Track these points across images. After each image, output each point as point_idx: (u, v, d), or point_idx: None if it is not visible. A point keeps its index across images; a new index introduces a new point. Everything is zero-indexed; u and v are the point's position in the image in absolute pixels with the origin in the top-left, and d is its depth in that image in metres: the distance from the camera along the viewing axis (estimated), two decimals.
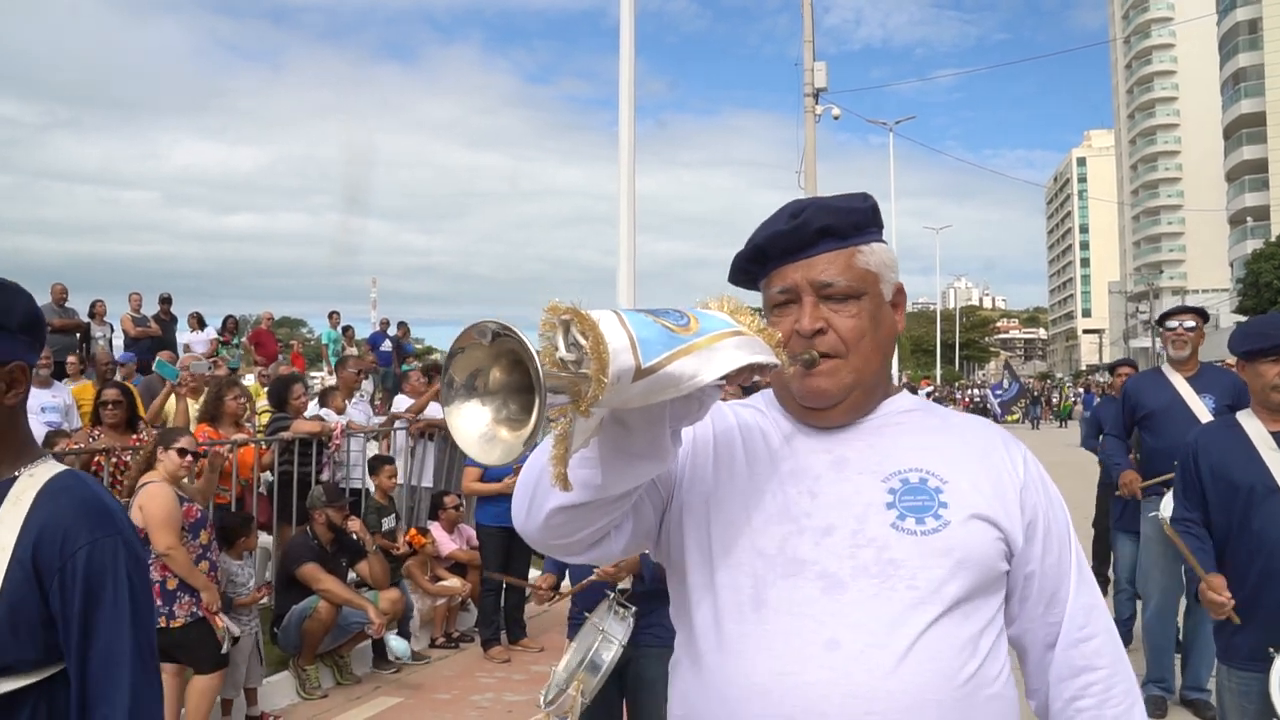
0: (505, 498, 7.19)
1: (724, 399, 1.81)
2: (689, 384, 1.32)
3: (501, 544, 7.94)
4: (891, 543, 1.58)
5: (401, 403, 10.52)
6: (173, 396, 8.96)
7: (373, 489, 8.78)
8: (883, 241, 1.74)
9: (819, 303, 1.66)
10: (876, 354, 1.69)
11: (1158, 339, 6.48)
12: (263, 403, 10.24)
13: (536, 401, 1.17)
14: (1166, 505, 5.80)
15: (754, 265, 1.75)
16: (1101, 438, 8.38)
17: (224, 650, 5.75)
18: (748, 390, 2.00)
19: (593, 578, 4.22)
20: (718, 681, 1.59)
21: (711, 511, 1.67)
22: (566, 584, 4.71)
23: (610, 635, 3.98)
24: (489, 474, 7.99)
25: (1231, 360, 4.10)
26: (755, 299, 1.78)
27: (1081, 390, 48.35)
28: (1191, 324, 6.27)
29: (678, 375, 1.30)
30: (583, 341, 1.23)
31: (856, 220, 1.69)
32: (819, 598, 1.56)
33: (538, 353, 1.19)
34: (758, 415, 1.77)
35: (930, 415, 1.78)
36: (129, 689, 1.85)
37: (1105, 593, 8.93)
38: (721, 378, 1.36)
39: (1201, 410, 6.01)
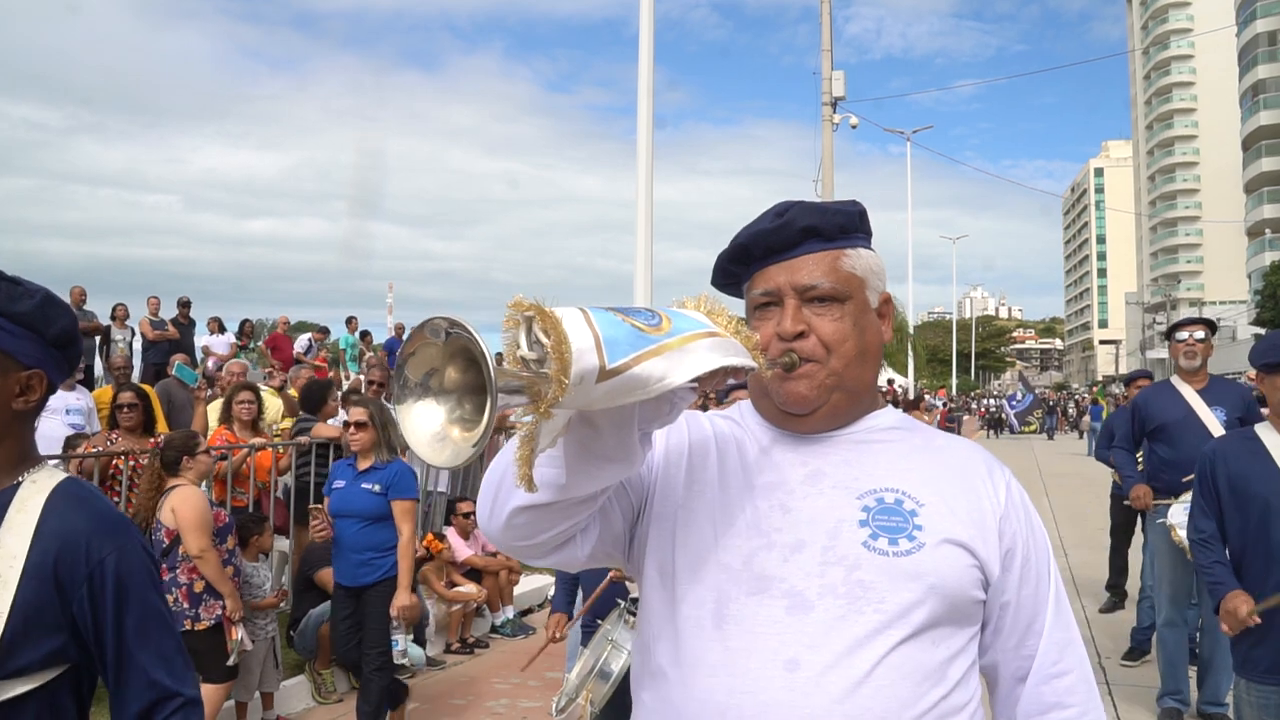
0: (357, 549, 5.81)
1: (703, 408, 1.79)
2: (657, 386, 1.28)
3: (347, 604, 5.95)
4: (862, 562, 1.53)
5: None
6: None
7: None
8: (870, 249, 1.70)
9: (801, 305, 1.62)
10: (859, 360, 1.64)
11: (1174, 346, 6.46)
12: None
13: (488, 402, 1.13)
14: (1174, 513, 5.81)
15: (737, 265, 1.71)
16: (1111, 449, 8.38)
17: (230, 663, 5.73)
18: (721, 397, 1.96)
19: (607, 581, 4.24)
20: (678, 698, 1.55)
21: (679, 523, 1.63)
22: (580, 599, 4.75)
23: (620, 644, 3.98)
24: (335, 508, 6.01)
25: (1251, 373, 4.10)
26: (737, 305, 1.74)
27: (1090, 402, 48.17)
28: (1201, 335, 6.26)
29: (645, 377, 1.26)
30: (545, 340, 1.18)
31: (842, 223, 1.65)
32: (783, 617, 1.51)
33: (495, 353, 1.14)
34: (734, 426, 1.73)
35: (913, 435, 1.72)
36: (190, 678, 1.96)
37: (1122, 605, 8.94)
38: (693, 380, 1.31)
39: (1213, 423, 6.00)
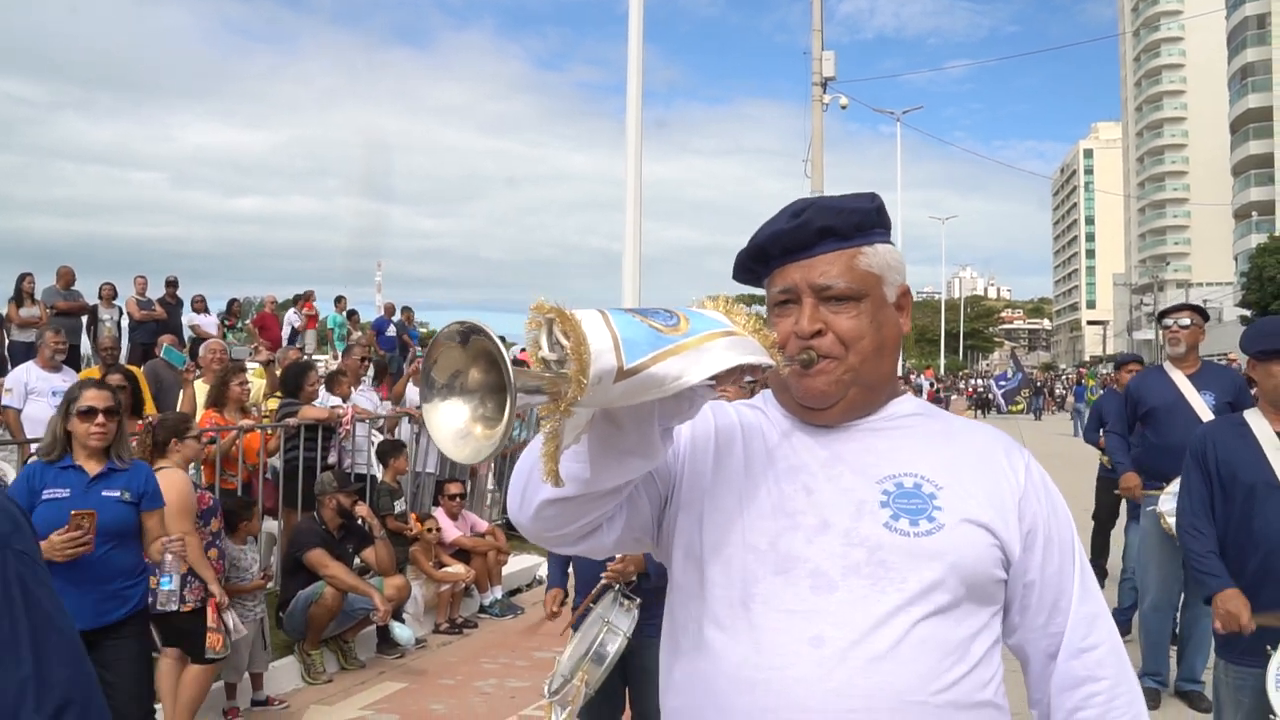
0: (104, 578, 4.48)
1: (728, 399, 1.82)
2: (674, 385, 1.32)
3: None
4: (884, 543, 1.57)
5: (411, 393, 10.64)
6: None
7: (380, 474, 8.83)
8: (888, 242, 1.72)
9: (819, 304, 1.65)
10: (877, 355, 1.67)
11: (1162, 332, 6.52)
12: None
13: (507, 401, 1.17)
14: (1165, 500, 5.84)
15: (756, 264, 1.74)
16: (1102, 433, 8.41)
17: (220, 655, 5.68)
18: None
19: (603, 581, 4.23)
20: (707, 673, 1.61)
21: (706, 507, 1.67)
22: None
23: (615, 627, 3.98)
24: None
25: (1235, 355, 4.12)
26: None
27: (1074, 382, 48.19)
28: (1187, 321, 6.29)
29: (662, 376, 1.30)
30: (565, 342, 1.22)
31: (859, 220, 1.67)
32: (808, 595, 1.56)
33: (515, 354, 1.19)
34: (758, 414, 1.77)
35: (932, 420, 1.76)
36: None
37: (1102, 585, 9.00)
38: (710, 378, 1.35)
39: (1203, 408, 6.04)
